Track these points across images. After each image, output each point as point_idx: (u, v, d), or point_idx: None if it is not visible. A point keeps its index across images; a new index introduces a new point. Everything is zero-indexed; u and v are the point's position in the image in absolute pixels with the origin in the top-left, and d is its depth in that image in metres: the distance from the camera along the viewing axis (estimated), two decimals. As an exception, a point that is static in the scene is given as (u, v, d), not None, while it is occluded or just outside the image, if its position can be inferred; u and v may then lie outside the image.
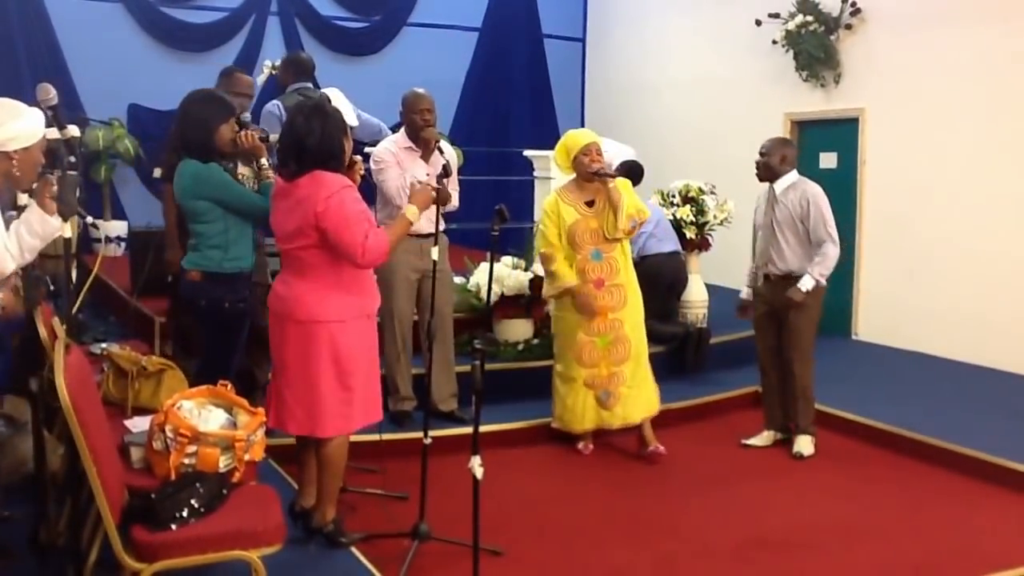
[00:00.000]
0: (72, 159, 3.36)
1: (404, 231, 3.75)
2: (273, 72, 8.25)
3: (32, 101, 3.22)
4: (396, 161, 4.98)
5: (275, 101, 5.75)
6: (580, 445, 5.26)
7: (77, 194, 3.08)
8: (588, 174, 4.98)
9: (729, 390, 6.31)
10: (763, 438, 5.44)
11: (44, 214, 3.11)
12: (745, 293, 5.47)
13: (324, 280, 3.55)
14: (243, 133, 4.00)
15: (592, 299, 4.98)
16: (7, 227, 3.14)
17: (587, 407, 5.12)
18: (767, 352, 5.36)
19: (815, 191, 5.14)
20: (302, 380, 3.59)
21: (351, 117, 5.80)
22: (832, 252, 5.04)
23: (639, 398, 5.14)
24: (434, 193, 3.85)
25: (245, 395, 3.47)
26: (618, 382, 5.08)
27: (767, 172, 5.19)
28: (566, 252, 5.04)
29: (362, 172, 3.84)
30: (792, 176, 5.19)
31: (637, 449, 5.21)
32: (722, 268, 8.06)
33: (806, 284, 5.01)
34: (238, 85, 5.08)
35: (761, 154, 5.19)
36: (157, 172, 5.70)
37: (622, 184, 5.03)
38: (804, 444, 5.24)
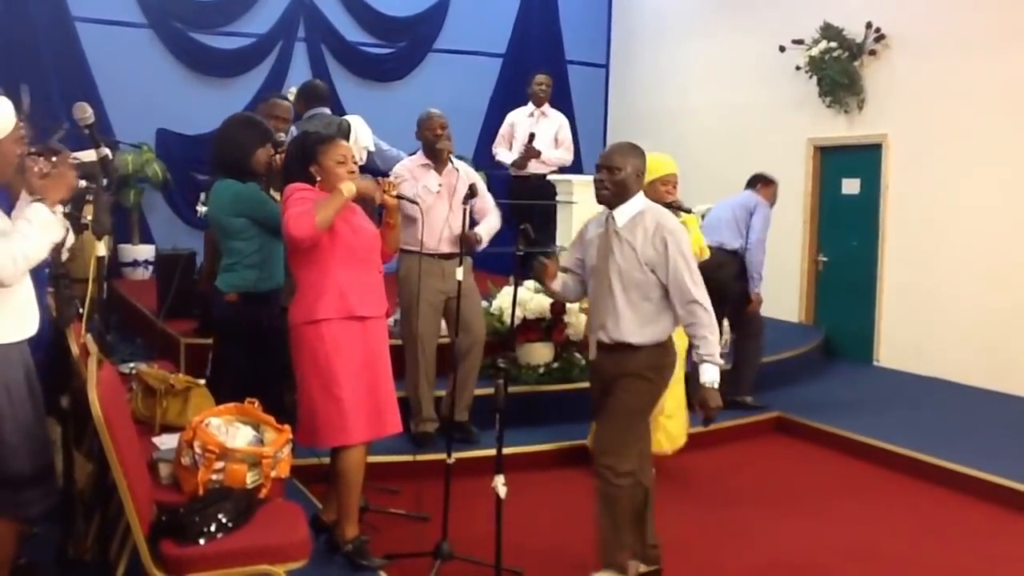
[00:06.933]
0: (105, 179, 3.44)
1: (337, 204, 3.54)
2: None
3: (67, 122, 3.27)
4: (411, 176, 5.13)
5: (291, 128, 5.91)
6: None
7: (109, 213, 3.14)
8: (662, 203, 4.91)
9: (748, 416, 6.31)
10: None
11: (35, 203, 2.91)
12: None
13: (307, 284, 3.65)
14: (277, 156, 4.10)
15: None
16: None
17: None
18: None
19: (673, 226, 3.59)
20: (298, 390, 3.69)
21: (369, 142, 5.96)
22: (708, 320, 3.53)
23: (674, 428, 5.16)
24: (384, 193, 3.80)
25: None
26: (656, 411, 5.08)
27: (617, 193, 3.60)
28: None
29: (394, 194, 3.88)
30: (639, 201, 3.64)
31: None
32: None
33: (712, 376, 3.53)
34: (276, 110, 5.21)
35: (608, 167, 3.60)
36: (202, 197, 5.83)
37: (690, 220, 4.97)
38: None
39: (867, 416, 6.33)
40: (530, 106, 7.55)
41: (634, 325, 3.55)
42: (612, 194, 3.59)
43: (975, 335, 7.33)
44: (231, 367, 4.12)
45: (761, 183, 6.64)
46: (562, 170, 7.56)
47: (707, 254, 5.09)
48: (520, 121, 7.53)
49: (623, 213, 3.60)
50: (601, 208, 3.72)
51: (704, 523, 4.64)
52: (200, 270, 5.50)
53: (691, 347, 3.61)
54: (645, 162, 3.67)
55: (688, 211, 4.96)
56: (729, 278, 6.33)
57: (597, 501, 3.58)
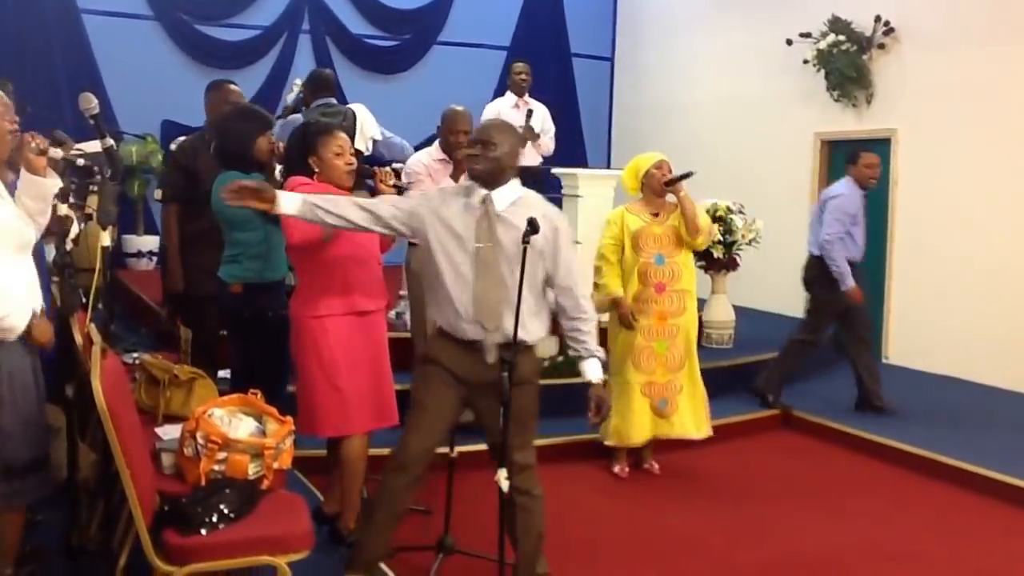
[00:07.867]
0: (110, 169, 3.44)
1: None
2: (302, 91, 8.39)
3: (73, 113, 3.28)
4: (428, 173, 4.98)
5: (297, 115, 5.88)
6: (616, 468, 5.23)
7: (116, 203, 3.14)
8: (660, 185, 4.95)
9: (755, 412, 6.30)
10: None
11: (31, 176, 3.06)
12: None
13: (309, 280, 3.68)
14: (279, 144, 4.08)
15: (630, 315, 4.93)
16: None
17: (644, 415, 5.05)
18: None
19: (558, 212, 3.44)
20: (299, 379, 3.71)
21: (375, 131, 5.92)
22: (593, 314, 3.41)
23: (698, 411, 5.12)
24: None
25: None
26: (674, 390, 5.05)
27: (492, 171, 3.27)
28: (622, 263, 5.01)
29: (391, 183, 3.86)
30: (517, 186, 3.37)
31: (632, 462, 5.29)
32: (750, 289, 8.04)
33: (600, 373, 3.39)
34: (230, 96, 5.05)
35: (483, 141, 3.29)
36: (158, 194, 5.70)
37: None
38: None
39: (875, 414, 6.29)
40: (511, 96, 7.39)
41: (528, 320, 3.21)
42: (486, 171, 3.26)
43: (986, 332, 7.27)
44: (234, 358, 4.12)
45: (851, 164, 6.28)
46: (559, 162, 7.47)
47: (716, 230, 5.13)
48: (508, 113, 7.38)
49: (503, 196, 3.28)
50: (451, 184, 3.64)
51: (715, 519, 4.63)
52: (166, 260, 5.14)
53: (573, 341, 3.40)
54: (521, 145, 3.46)
55: (690, 175, 4.96)
56: (809, 281, 6.34)
57: (520, 520, 3.35)
